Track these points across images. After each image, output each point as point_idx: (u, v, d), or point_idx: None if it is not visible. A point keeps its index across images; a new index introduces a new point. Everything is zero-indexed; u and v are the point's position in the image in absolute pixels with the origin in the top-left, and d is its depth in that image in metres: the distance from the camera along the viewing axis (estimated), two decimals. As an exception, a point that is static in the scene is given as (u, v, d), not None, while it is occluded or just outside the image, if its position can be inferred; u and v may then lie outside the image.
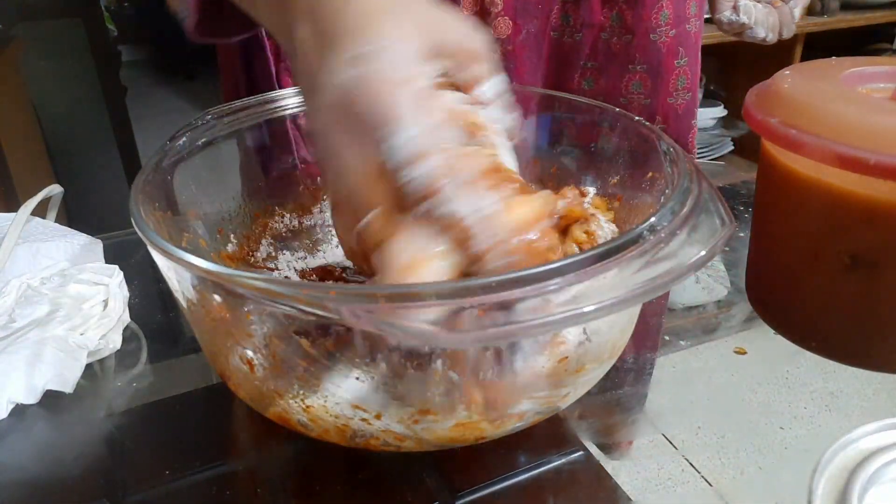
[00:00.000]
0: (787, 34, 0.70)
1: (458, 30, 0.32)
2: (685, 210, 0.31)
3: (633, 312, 0.38)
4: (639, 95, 0.66)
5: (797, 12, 0.70)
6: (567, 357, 0.34)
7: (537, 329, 0.25)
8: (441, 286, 0.27)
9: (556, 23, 0.63)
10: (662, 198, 0.37)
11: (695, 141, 0.71)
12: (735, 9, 0.67)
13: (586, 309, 0.25)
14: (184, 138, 0.42)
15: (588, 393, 0.42)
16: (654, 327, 0.48)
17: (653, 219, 0.30)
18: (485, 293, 0.25)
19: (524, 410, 0.34)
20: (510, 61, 0.63)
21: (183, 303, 0.34)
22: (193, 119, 0.45)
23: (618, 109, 0.46)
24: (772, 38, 0.69)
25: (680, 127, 0.68)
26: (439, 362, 0.31)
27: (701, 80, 0.72)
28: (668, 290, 0.53)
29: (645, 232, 0.30)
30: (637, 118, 0.44)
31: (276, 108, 0.48)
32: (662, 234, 0.29)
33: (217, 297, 0.32)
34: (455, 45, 0.32)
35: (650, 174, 0.42)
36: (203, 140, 0.44)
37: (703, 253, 0.29)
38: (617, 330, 0.37)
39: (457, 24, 0.32)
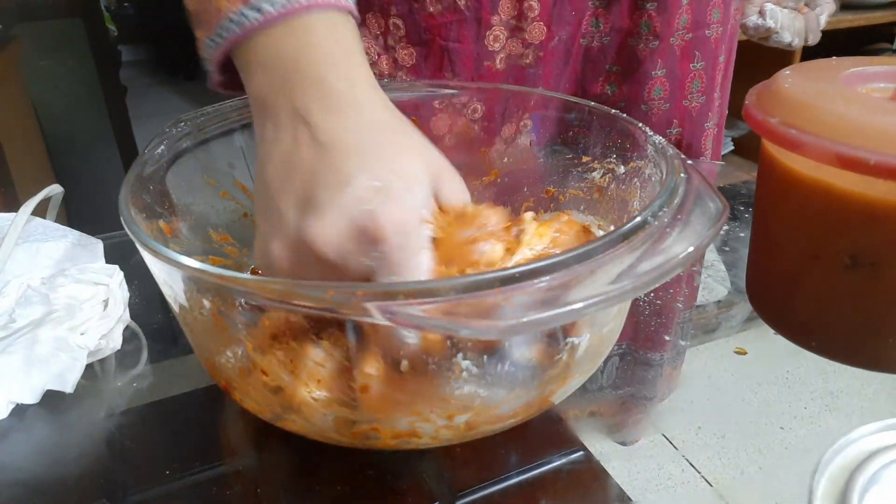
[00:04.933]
0: (812, 40, 0.70)
1: (453, 182, 0.34)
2: (677, 200, 0.32)
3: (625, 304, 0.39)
4: (659, 101, 0.66)
5: (823, 18, 0.70)
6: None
7: (563, 317, 0.26)
8: (458, 280, 0.27)
9: (586, 29, 0.63)
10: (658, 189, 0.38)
11: (707, 143, 0.71)
12: (761, 13, 0.67)
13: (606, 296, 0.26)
14: (161, 147, 0.42)
15: (588, 394, 0.42)
16: (657, 327, 0.48)
17: (653, 206, 0.31)
18: (490, 287, 0.26)
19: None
20: (539, 67, 0.62)
21: (192, 314, 0.34)
22: (166, 127, 0.44)
23: (612, 111, 0.46)
24: (797, 43, 0.68)
25: (693, 129, 0.68)
26: (460, 356, 0.31)
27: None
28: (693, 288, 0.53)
29: (648, 218, 0.30)
30: (624, 115, 0.44)
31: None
32: (665, 220, 0.30)
33: (232, 306, 0.32)
34: (448, 197, 0.33)
35: (638, 168, 0.42)
36: (179, 148, 0.44)
37: (707, 233, 0.29)
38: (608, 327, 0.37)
39: (452, 175, 0.34)
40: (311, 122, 0.31)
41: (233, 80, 0.36)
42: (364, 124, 0.32)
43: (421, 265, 0.31)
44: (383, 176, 0.31)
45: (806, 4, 0.70)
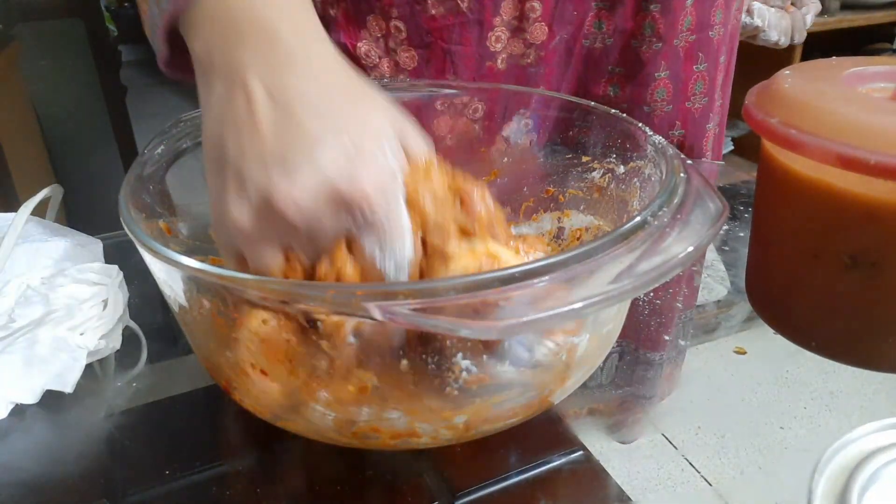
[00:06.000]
0: (798, 39, 0.70)
1: (415, 135, 0.34)
2: (677, 200, 0.32)
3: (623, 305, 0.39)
4: (662, 102, 0.66)
5: (809, 18, 0.70)
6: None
7: (563, 317, 0.25)
8: (458, 280, 0.27)
9: (588, 30, 0.63)
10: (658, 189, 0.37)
11: (708, 145, 0.71)
12: (749, 12, 0.67)
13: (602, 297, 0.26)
14: (161, 147, 0.42)
15: (588, 393, 0.42)
16: (657, 327, 0.49)
17: (653, 207, 0.31)
18: (489, 287, 0.26)
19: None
20: (540, 66, 0.62)
21: (192, 314, 0.34)
22: (166, 127, 0.44)
23: (612, 111, 0.46)
24: (784, 41, 0.68)
25: (696, 131, 0.68)
26: (460, 356, 0.31)
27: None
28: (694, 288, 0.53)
29: (648, 218, 0.30)
30: (624, 115, 0.44)
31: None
32: (665, 220, 0.30)
33: (232, 306, 0.32)
34: (414, 150, 0.33)
35: (638, 168, 0.42)
36: (179, 148, 0.44)
37: (707, 233, 0.29)
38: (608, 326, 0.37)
39: (413, 128, 0.34)
40: (267, 79, 0.30)
41: (179, 59, 0.35)
42: (323, 82, 0.31)
43: (403, 223, 0.31)
44: (352, 134, 0.30)
45: (792, 3, 0.71)
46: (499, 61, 0.61)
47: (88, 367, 0.44)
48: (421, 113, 0.51)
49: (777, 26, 0.68)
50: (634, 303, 0.49)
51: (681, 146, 0.68)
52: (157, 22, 0.33)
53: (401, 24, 0.59)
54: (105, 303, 0.46)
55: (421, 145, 0.34)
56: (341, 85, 0.32)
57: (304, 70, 0.31)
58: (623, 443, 0.39)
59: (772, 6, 0.69)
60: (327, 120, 0.30)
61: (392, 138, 0.32)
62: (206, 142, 0.33)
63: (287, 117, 0.30)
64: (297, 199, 0.30)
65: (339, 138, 0.30)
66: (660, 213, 0.31)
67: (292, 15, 0.32)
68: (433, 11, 0.58)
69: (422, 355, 0.32)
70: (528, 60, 0.62)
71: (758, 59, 1.08)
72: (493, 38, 0.60)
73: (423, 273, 0.33)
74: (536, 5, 0.59)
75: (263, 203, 0.30)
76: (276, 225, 0.30)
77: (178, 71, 0.36)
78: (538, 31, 0.60)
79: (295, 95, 0.30)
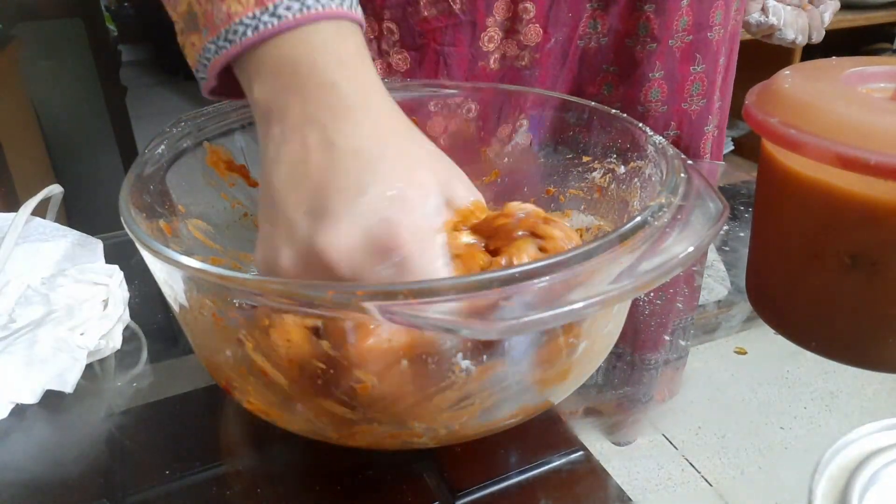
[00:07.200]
0: (816, 38, 0.69)
1: (464, 187, 0.34)
2: (677, 200, 0.32)
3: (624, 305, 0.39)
4: (656, 103, 0.65)
5: (827, 16, 0.69)
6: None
7: (563, 317, 0.25)
8: (458, 280, 0.27)
9: (583, 30, 0.63)
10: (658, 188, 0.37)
11: (707, 147, 0.70)
12: (763, 10, 0.66)
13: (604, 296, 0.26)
14: (161, 147, 0.42)
15: (588, 393, 0.42)
16: (657, 328, 0.49)
17: (653, 206, 0.31)
18: (490, 287, 0.26)
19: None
20: (535, 68, 0.62)
21: (192, 314, 0.34)
22: (166, 127, 0.44)
23: (613, 111, 0.46)
24: (801, 40, 0.67)
25: (693, 133, 0.68)
26: (459, 356, 0.31)
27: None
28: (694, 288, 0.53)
29: (648, 218, 0.30)
30: (625, 115, 0.44)
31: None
32: (665, 220, 0.30)
33: (232, 306, 0.32)
34: (460, 203, 0.33)
35: (638, 168, 0.42)
36: (179, 148, 0.44)
37: (707, 233, 0.30)
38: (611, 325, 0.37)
39: (461, 180, 0.34)
40: (323, 126, 0.31)
41: (224, 86, 0.35)
42: (377, 132, 0.32)
43: (439, 273, 0.31)
44: (397, 185, 0.31)
45: (810, 1, 0.70)
46: (491, 61, 0.61)
47: (88, 367, 0.44)
48: (415, 113, 0.51)
49: (793, 24, 0.67)
50: (634, 303, 0.49)
51: (676, 147, 0.68)
52: (212, 58, 0.33)
53: (393, 26, 0.59)
54: (105, 303, 0.46)
55: (468, 197, 0.34)
56: (395, 138, 0.32)
57: (359, 120, 0.31)
58: (619, 444, 0.39)
59: (788, 4, 0.67)
60: (376, 170, 0.30)
61: (436, 192, 0.32)
62: (263, 183, 0.33)
63: (338, 164, 0.31)
64: (339, 249, 0.30)
65: (384, 188, 0.30)
66: (660, 213, 0.31)
67: (353, 69, 0.32)
68: (425, 13, 0.58)
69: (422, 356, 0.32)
70: (523, 62, 0.62)
71: (758, 59, 1.08)
72: (486, 38, 0.60)
73: None
74: (530, 6, 0.59)
75: (309, 252, 0.31)
76: (322, 273, 0.31)
77: (220, 96, 0.36)
78: (532, 33, 0.60)
79: (348, 143, 0.31)
